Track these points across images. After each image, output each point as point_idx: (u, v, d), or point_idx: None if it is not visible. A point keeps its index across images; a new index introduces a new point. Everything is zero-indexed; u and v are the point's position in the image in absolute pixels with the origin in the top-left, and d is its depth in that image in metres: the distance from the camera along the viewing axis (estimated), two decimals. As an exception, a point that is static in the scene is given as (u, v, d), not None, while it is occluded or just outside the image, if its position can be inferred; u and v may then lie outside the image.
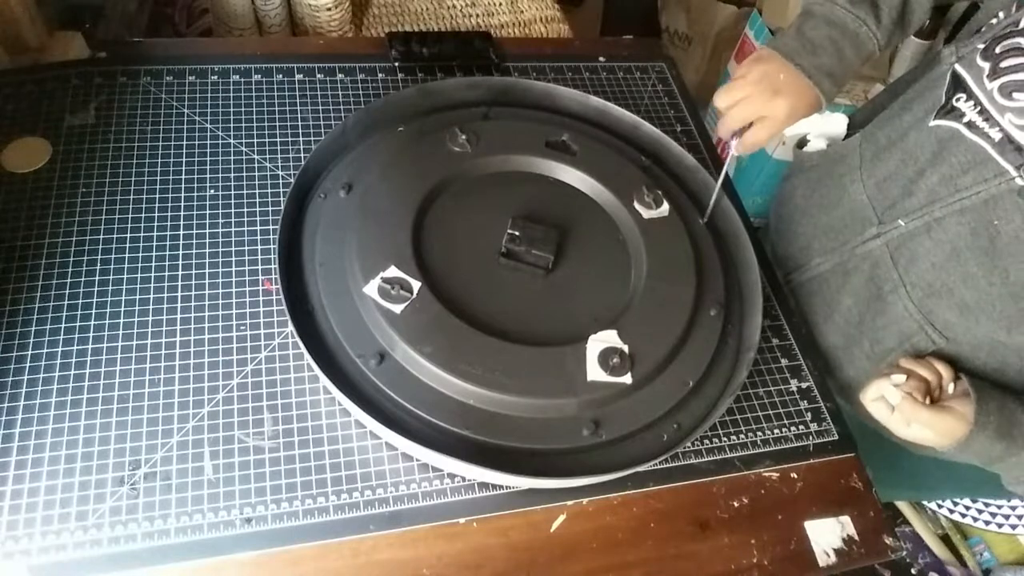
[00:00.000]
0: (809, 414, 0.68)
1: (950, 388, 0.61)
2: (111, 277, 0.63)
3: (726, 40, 1.70)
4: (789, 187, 0.84)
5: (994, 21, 0.60)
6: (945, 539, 1.37)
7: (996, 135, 0.56)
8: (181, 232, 0.67)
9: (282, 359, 0.61)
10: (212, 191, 0.70)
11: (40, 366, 0.57)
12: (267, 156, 0.73)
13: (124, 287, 0.63)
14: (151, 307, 0.62)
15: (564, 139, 0.75)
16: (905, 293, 0.66)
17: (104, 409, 0.56)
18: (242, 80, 0.79)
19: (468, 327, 0.59)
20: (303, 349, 0.57)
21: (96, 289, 0.62)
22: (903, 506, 1.38)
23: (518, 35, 1.18)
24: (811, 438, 0.66)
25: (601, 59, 0.93)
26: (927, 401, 0.59)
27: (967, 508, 1.32)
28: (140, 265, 0.64)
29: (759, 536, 0.60)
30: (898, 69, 1.48)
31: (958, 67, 0.60)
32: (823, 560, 0.60)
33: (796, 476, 0.64)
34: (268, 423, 0.58)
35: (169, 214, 0.68)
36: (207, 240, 0.67)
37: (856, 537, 0.62)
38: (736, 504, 0.61)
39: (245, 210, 0.69)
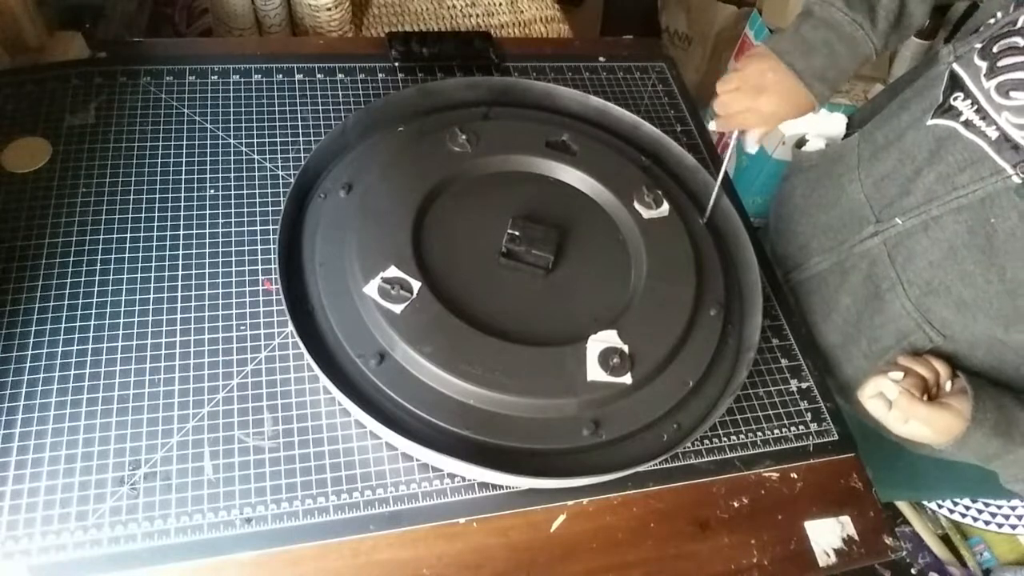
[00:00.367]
0: (809, 414, 0.68)
1: (947, 386, 0.61)
2: (111, 277, 0.63)
3: (726, 40, 1.70)
4: (788, 187, 0.85)
5: (992, 21, 0.60)
6: (945, 539, 1.37)
7: (993, 133, 0.56)
8: (181, 232, 0.67)
9: (282, 359, 0.61)
10: (212, 191, 0.70)
11: (40, 366, 0.57)
12: (267, 156, 0.73)
13: (124, 287, 0.63)
14: (151, 307, 0.62)
15: (564, 139, 0.75)
16: (903, 291, 0.66)
17: (104, 409, 0.56)
18: (242, 80, 0.79)
19: (468, 327, 0.59)
20: (303, 349, 0.57)
21: (96, 289, 0.62)
22: (903, 506, 1.38)
23: (518, 35, 1.18)
24: (811, 438, 0.66)
25: (601, 59, 0.93)
26: (924, 398, 0.59)
27: (967, 508, 1.32)
28: (140, 265, 0.64)
29: (759, 536, 0.60)
30: (898, 69, 1.48)
31: (956, 66, 0.61)
32: (823, 560, 0.60)
33: (796, 476, 0.64)
34: (268, 423, 0.58)
35: (169, 214, 0.68)
36: (207, 240, 0.67)
37: (856, 537, 0.62)
38: (736, 504, 0.61)
39: (245, 210, 0.69)
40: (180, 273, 0.64)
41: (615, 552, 0.58)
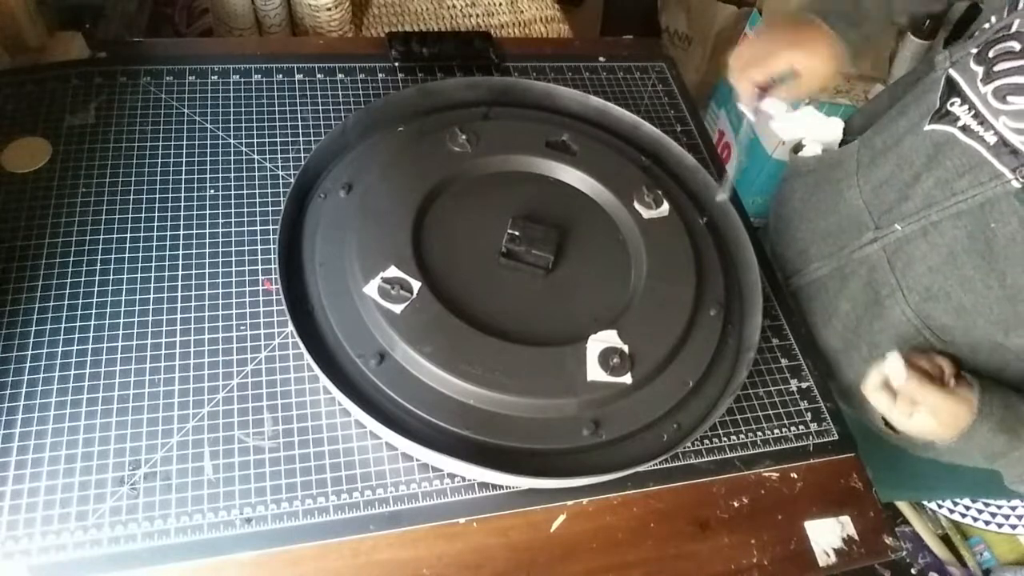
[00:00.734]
0: (809, 414, 0.68)
1: (951, 383, 0.61)
2: (111, 277, 0.63)
3: (726, 40, 1.70)
4: (787, 189, 0.84)
5: (987, 25, 0.60)
6: (945, 539, 1.37)
7: (991, 138, 0.56)
8: (181, 232, 0.67)
9: (282, 359, 0.61)
10: (212, 191, 0.70)
11: (40, 366, 0.57)
12: (267, 156, 0.73)
13: (124, 287, 0.63)
14: (151, 307, 0.62)
15: (564, 139, 0.75)
16: (902, 297, 0.66)
17: (104, 409, 0.56)
18: (242, 80, 0.79)
19: (468, 327, 0.59)
20: (303, 349, 0.57)
21: (96, 289, 0.62)
22: (903, 506, 1.38)
23: (518, 35, 1.18)
24: (811, 438, 0.66)
25: (601, 59, 0.93)
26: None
27: (967, 508, 1.32)
28: (140, 265, 0.64)
29: (759, 536, 0.60)
30: (898, 69, 1.47)
31: (952, 72, 0.61)
32: (823, 560, 0.60)
33: (796, 476, 0.64)
34: (268, 423, 0.58)
35: (169, 214, 0.68)
36: (207, 240, 0.67)
37: (856, 537, 0.62)
38: (736, 504, 0.61)
39: (245, 210, 0.69)
40: (180, 273, 0.64)
41: (615, 552, 0.58)
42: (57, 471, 0.53)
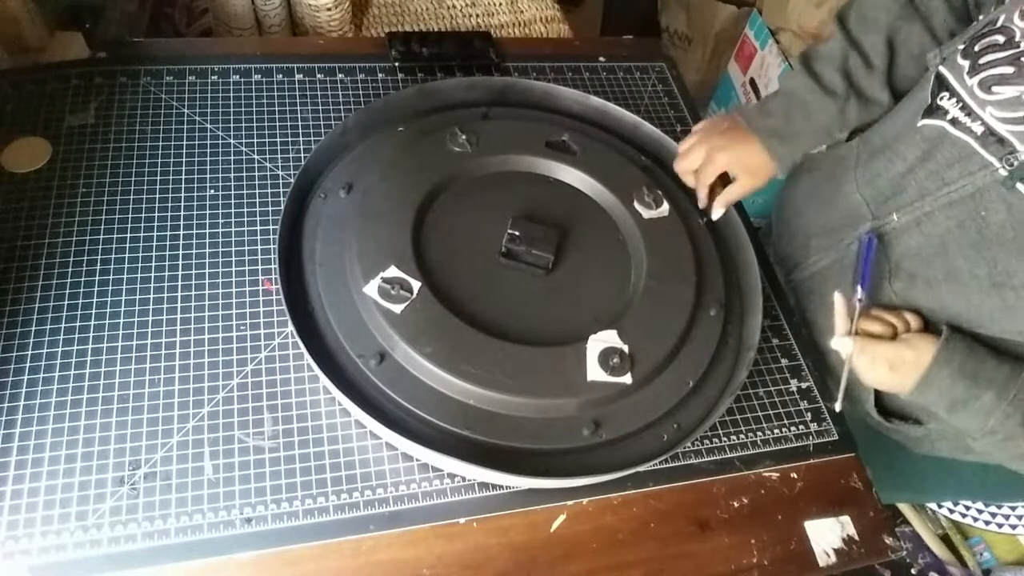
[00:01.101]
0: (809, 414, 0.68)
1: (907, 336, 0.62)
2: (111, 277, 0.63)
3: (726, 40, 1.70)
4: (792, 189, 0.85)
5: (975, 23, 0.62)
6: (945, 539, 1.37)
7: (979, 129, 0.57)
8: (181, 232, 0.67)
9: (282, 359, 0.61)
10: (212, 191, 0.70)
11: (40, 366, 0.57)
12: (267, 156, 0.73)
13: (124, 287, 0.63)
14: (151, 307, 0.62)
15: (564, 139, 0.75)
16: (888, 286, 0.66)
17: (104, 409, 0.56)
18: (242, 80, 0.79)
19: (468, 327, 0.59)
20: (303, 349, 0.57)
21: (96, 289, 0.62)
22: (903, 506, 1.38)
23: (518, 35, 1.18)
24: (811, 438, 0.66)
25: (601, 59, 0.93)
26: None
27: (967, 508, 1.32)
28: (140, 265, 0.64)
29: (759, 536, 0.60)
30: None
31: (941, 68, 0.62)
32: (823, 560, 0.60)
33: (796, 476, 0.64)
34: (268, 423, 0.58)
35: (169, 214, 0.68)
36: (207, 240, 0.67)
37: (856, 537, 0.62)
38: (736, 504, 0.61)
39: (245, 210, 0.69)
40: (180, 273, 0.64)
41: (615, 552, 0.58)
42: (57, 471, 0.53)
